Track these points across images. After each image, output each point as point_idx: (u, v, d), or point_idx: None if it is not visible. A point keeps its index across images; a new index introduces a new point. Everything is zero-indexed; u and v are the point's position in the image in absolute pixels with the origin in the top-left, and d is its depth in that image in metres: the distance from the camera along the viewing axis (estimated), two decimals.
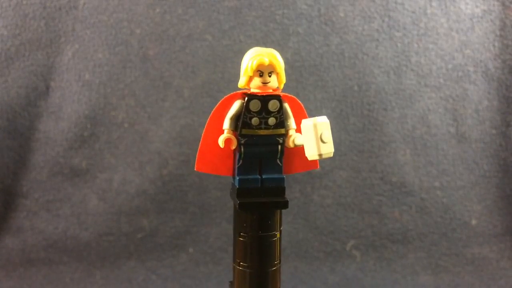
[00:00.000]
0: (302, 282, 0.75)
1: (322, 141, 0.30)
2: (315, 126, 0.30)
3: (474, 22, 0.83)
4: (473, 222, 0.83)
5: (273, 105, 0.34)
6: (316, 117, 0.31)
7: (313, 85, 0.80)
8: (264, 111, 0.34)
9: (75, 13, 0.81)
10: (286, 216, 0.81)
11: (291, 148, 0.35)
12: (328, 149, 0.30)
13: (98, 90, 0.82)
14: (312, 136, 0.30)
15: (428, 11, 0.83)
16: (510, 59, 0.84)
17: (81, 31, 0.82)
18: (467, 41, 0.84)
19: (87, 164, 0.83)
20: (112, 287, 0.74)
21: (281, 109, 0.34)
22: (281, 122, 0.34)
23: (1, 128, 0.83)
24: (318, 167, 0.38)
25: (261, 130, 0.34)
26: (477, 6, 0.83)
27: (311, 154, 0.31)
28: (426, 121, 0.83)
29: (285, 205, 0.34)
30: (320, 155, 0.30)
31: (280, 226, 0.35)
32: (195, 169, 0.36)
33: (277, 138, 0.34)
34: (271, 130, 0.34)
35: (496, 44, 0.84)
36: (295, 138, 0.34)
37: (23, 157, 0.84)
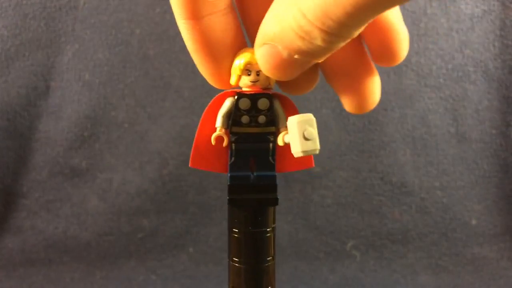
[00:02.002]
0: (302, 282, 0.75)
1: (305, 138, 0.30)
2: (297, 123, 0.30)
3: (474, 22, 0.83)
4: (473, 222, 0.83)
5: (262, 103, 0.34)
6: (300, 114, 0.31)
7: None
8: (254, 110, 0.34)
9: (75, 13, 0.81)
10: (286, 216, 0.81)
11: (285, 146, 0.35)
12: (312, 146, 0.30)
13: (98, 90, 0.82)
14: (296, 133, 0.30)
15: (428, 11, 0.83)
16: (510, 59, 0.84)
17: (81, 31, 0.82)
18: (467, 41, 0.84)
19: (87, 164, 0.83)
20: (112, 287, 0.74)
21: (271, 107, 0.34)
22: (272, 120, 0.35)
23: (1, 128, 0.83)
24: (314, 165, 0.38)
25: (251, 128, 0.34)
26: (477, 6, 0.83)
27: (295, 151, 0.31)
28: (426, 121, 0.83)
29: (274, 202, 0.35)
30: (303, 151, 0.30)
31: (273, 223, 0.36)
32: (189, 165, 0.36)
33: (268, 136, 0.35)
34: (261, 128, 0.35)
35: (496, 44, 0.84)
36: (284, 136, 0.34)
37: (23, 157, 0.84)
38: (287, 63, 0.26)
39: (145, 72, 0.81)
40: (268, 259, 0.35)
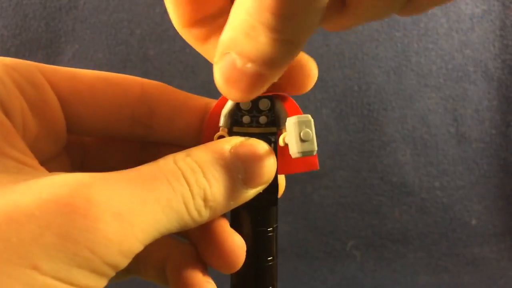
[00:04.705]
0: (302, 282, 0.75)
1: (302, 139, 0.30)
2: (294, 124, 0.30)
3: (474, 22, 0.83)
4: (473, 222, 0.83)
5: (263, 103, 0.34)
6: (298, 115, 0.31)
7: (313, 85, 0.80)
8: (255, 110, 0.34)
9: (75, 13, 0.81)
10: (286, 216, 0.81)
11: (288, 148, 0.35)
12: (308, 148, 0.30)
13: None
14: (293, 134, 0.30)
15: (428, 11, 0.83)
16: (510, 59, 0.84)
17: (81, 31, 0.82)
18: (467, 41, 0.84)
19: None
20: (113, 287, 0.74)
21: (273, 107, 0.34)
22: (273, 121, 0.35)
23: None
24: (318, 167, 0.38)
25: (252, 128, 0.34)
26: (477, 6, 0.83)
27: (292, 152, 0.31)
28: (426, 121, 0.83)
29: (273, 202, 0.35)
30: (299, 152, 0.30)
31: (275, 223, 0.36)
32: None
33: (269, 137, 0.35)
34: (262, 128, 0.35)
35: (496, 44, 0.84)
36: (285, 136, 0.34)
37: None
38: (242, 75, 0.26)
39: (145, 72, 0.81)
40: (269, 258, 0.35)
